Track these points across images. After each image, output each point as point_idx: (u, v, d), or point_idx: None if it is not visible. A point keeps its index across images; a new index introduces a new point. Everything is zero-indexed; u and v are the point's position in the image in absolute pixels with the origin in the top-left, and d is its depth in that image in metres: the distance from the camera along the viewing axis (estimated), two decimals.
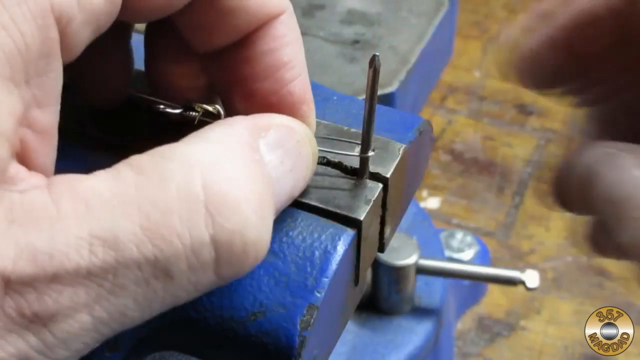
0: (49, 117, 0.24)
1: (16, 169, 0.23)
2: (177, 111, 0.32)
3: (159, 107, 0.33)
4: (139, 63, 0.34)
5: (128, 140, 0.33)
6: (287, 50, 0.30)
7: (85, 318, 0.23)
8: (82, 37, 0.25)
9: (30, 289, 0.22)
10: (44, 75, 0.24)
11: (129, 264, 0.23)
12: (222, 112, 0.32)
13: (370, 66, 0.29)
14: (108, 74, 0.32)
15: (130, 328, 0.24)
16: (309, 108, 0.31)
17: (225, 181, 0.24)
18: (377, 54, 0.28)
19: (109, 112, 0.34)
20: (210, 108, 0.32)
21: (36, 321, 0.22)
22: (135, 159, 0.24)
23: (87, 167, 0.24)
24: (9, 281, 0.21)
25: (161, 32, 0.31)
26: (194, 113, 0.32)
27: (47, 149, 0.25)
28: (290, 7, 0.30)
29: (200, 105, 0.32)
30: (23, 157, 0.24)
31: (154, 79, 0.33)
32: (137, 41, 0.33)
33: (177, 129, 0.33)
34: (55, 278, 0.22)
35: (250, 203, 0.25)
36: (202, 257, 0.24)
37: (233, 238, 0.24)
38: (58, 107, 0.25)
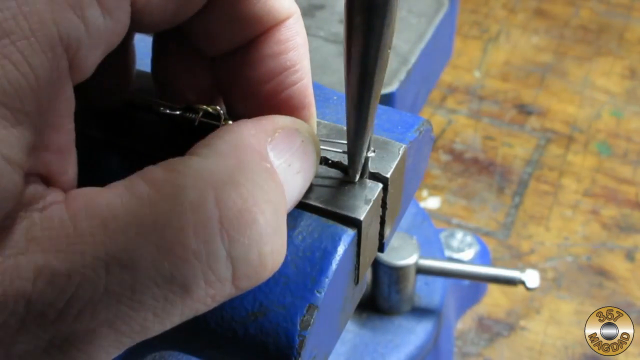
0: (65, 136, 0.25)
1: (34, 189, 0.23)
2: (177, 112, 0.33)
3: (160, 108, 0.33)
4: (139, 64, 0.34)
5: (130, 141, 0.33)
6: (291, 54, 0.30)
7: (106, 332, 0.23)
8: (92, 60, 0.25)
9: (51, 308, 0.22)
10: (56, 100, 0.24)
11: (146, 282, 0.23)
12: (222, 113, 0.32)
13: None
14: (110, 75, 0.32)
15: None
16: (309, 113, 0.31)
17: (239, 196, 0.24)
18: None
19: (111, 112, 0.34)
20: (210, 109, 0.32)
21: (59, 336, 0.22)
22: (149, 173, 0.24)
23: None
24: (29, 301, 0.22)
25: (169, 33, 0.31)
26: (194, 114, 0.32)
27: (66, 165, 0.25)
28: (297, 12, 0.30)
29: (201, 106, 0.32)
30: (44, 176, 0.24)
31: (160, 79, 0.33)
32: (139, 41, 0.33)
33: (178, 129, 0.33)
34: (75, 297, 0.22)
35: (265, 215, 0.25)
36: (219, 272, 0.24)
37: (250, 252, 0.24)
38: (72, 125, 0.25)
